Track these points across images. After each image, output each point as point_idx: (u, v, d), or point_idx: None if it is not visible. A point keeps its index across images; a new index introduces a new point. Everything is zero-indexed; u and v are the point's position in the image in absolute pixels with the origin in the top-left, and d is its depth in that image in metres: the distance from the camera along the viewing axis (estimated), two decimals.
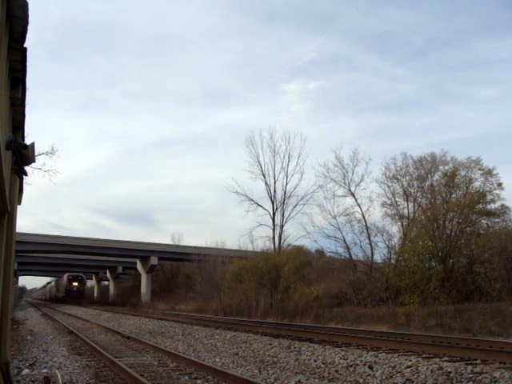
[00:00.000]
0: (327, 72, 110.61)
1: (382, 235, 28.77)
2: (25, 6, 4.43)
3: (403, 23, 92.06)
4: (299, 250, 35.32)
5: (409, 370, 7.65)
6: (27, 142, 7.31)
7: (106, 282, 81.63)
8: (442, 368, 7.44)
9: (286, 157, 39.35)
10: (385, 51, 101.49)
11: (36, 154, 7.70)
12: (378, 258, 29.34)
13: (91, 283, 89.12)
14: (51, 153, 33.41)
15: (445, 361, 7.96)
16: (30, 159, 7.09)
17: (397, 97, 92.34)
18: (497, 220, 27.01)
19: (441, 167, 29.07)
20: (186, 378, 8.18)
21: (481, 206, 26.03)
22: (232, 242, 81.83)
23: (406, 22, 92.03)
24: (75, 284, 68.18)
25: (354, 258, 29.43)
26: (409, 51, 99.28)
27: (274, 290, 29.59)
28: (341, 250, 30.42)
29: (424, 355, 8.68)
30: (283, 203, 38.87)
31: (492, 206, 27.32)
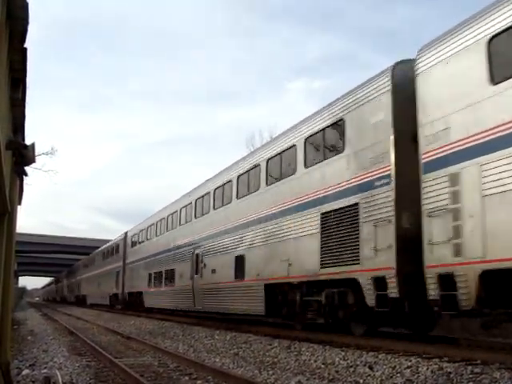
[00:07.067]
0: (332, 70, 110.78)
1: None
2: (25, 6, 4.43)
3: (411, 21, 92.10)
4: None
5: (409, 370, 7.65)
6: (27, 142, 7.33)
7: None
8: (442, 368, 7.43)
9: None
10: (391, 49, 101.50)
11: (36, 154, 7.71)
12: None
13: None
14: (51, 153, 33.44)
15: (445, 361, 7.94)
16: (31, 159, 7.11)
17: None
18: None
19: None
20: (187, 378, 8.19)
21: None
22: None
23: (413, 20, 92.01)
24: None
25: None
26: (416, 49, 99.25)
27: None
28: None
29: (424, 355, 8.66)
30: None
31: None
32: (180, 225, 22.30)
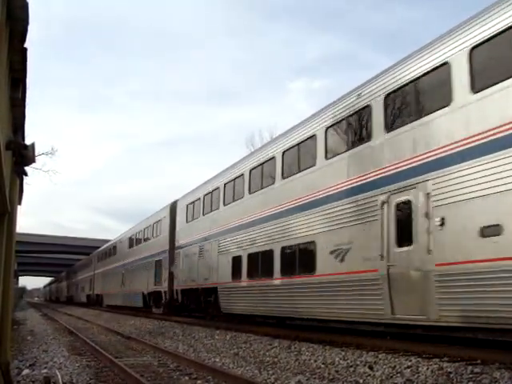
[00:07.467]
0: (332, 70, 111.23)
1: None
2: (25, 7, 4.44)
3: (411, 21, 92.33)
4: None
5: (409, 370, 7.65)
6: (27, 142, 7.34)
7: None
8: (442, 368, 7.44)
9: None
10: (392, 49, 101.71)
11: (36, 154, 7.73)
12: None
13: None
14: (51, 153, 33.46)
15: (445, 361, 7.95)
16: (31, 159, 7.12)
17: None
18: None
19: None
20: (187, 378, 8.20)
21: None
22: None
23: (414, 20, 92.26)
24: None
25: None
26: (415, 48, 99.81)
27: None
28: None
29: (424, 355, 8.67)
30: None
31: None
32: (327, 158, 11.86)
